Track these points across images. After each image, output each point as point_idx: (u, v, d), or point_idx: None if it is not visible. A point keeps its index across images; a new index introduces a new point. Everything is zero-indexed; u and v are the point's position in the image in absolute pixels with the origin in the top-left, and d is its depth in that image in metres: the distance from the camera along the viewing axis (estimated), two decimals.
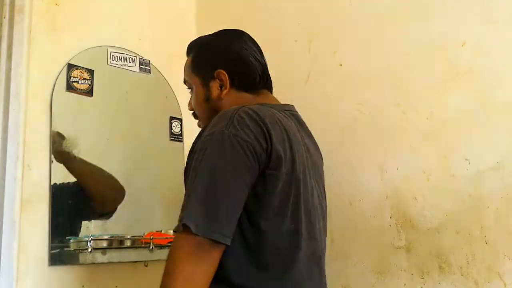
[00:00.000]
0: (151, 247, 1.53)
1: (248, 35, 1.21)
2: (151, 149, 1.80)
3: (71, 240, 1.47)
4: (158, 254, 1.65)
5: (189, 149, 1.03)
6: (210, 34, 1.23)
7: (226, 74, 1.14)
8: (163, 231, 1.60)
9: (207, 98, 1.16)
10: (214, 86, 1.15)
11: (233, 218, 0.91)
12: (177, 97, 1.90)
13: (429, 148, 1.27)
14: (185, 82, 1.24)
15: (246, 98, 1.14)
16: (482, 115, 1.19)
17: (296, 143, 1.05)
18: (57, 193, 1.50)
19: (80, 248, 1.45)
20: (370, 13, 1.46)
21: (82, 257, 1.49)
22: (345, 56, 1.50)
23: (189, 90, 1.24)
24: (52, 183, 1.49)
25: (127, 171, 1.72)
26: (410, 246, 1.27)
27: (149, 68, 1.84)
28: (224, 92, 1.14)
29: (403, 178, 1.31)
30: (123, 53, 1.78)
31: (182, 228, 0.87)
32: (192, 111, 1.24)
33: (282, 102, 1.20)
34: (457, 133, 1.23)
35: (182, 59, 1.97)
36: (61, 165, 1.55)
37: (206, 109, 1.17)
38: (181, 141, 1.88)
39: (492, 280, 1.12)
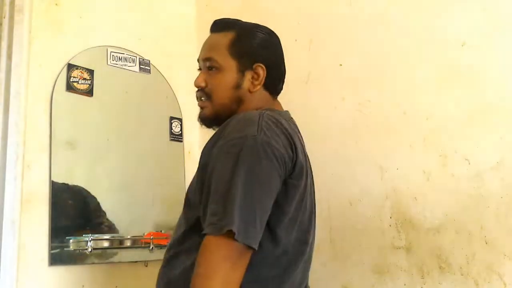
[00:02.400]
0: (151, 247, 1.53)
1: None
2: (151, 149, 1.80)
3: (71, 240, 1.47)
4: (158, 254, 1.65)
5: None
6: (248, 23, 1.17)
7: (265, 71, 1.11)
8: (163, 231, 1.60)
9: (237, 86, 1.11)
10: (248, 77, 1.11)
11: (263, 225, 0.92)
12: (177, 97, 1.90)
13: (429, 148, 1.27)
14: (209, 59, 1.14)
15: (268, 99, 1.14)
16: (482, 115, 1.19)
17: (305, 153, 1.07)
18: (57, 193, 1.50)
19: (80, 248, 1.45)
20: (370, 13, 1.46)
21: (82, 257, 1.49)
22: (345, 56, 1.50)
23: (209, 68, 1.14)
24: (52, 183, 1.50)
25: (127, 171, 1.72)
26: (410, 246, 1.27)
27: (149, 68, 1.84)
28: (257, 87, 1.11)
29: (403, 178, 1.31)
30: (123, 53, 1.78)
31: (225, 232, 0.86)
32: (199, 88, 1.17)
33: (282, 102, 1.20)
34: (457, 133, 1.23)
35: (182, 59, 1.98)
36: (61, 165, 1.55)
37: (229, 96, 1.12)
38: (181, 141, 1.88)
39: (492, 280, 1.12)
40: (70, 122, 1.60)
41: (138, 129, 1.78)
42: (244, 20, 1.21)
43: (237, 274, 0.88)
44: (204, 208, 0.94)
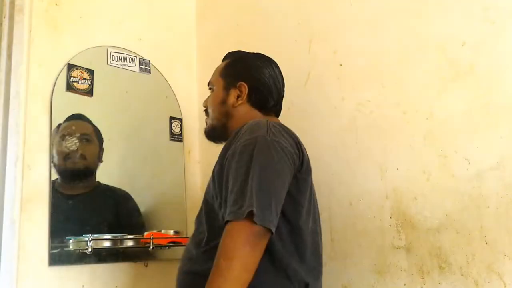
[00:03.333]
0: (151, 247, 1.52)
1: (279, 67, 1.33)
2: (151, 149, 1.80)
3: (71, 240, 1.47)
4: (158, 254, 1.65)
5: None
6: (249, 52, 1.36)
7: (246, 88, 1.27)
8: (163, 231, 1.60)
9: (223, 101, 1.29)
10: (233, 94, 1.28)
11: (279, 212, 1.03)
12: (177, 97, 1.90)
13: (429, 148, 1.27)
14: (209, 83, 1.36)
15: (256, 115, 1.28)
16: (482, 115, 1.19)
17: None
18: (57, 193, 1.50)
19: (80, 248, 1.44)
20: (370, 13, 1.46)
21: (82, 257, 1.49)
22: (345, 56, 1.50)
23: (210, 91, 1.36)
24: (52, 183, 1.50)
25: (127, 171, 1.72)
26: (410, 246, 1.27)
27: (149, 68, 1.84)
28: (239, 102, 1.28)
29: (403, 178, 1.31)
30: (123, 53, 1.78)
31: (246, 215, 0.97)
32: (205, 108, 1.37)
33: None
34: (457, 133, 1.23)
35: (182, 59, 1.99)
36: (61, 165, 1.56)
37: (218, 110, 1.30)
38: (181, 141, 1.88)
39: (492, 280, 1.12)
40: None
41: (138, 129, 1.78)
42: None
43: (256, 257, 0.98)
44: (224, 203, 1.06)
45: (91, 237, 1.43)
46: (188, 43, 2.03)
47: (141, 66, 1.82)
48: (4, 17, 1.57)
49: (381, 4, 1.43)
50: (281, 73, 1.33)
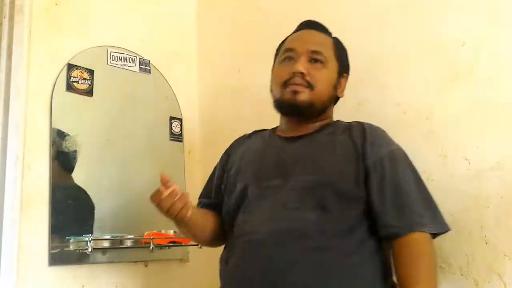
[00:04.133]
0: (151, 247, 1.52)
1: None
2: (151, 149, 1.80)
3: (71, 240, 1.47)
4: (158, 254, 1.65)
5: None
6: None
7: (346, 82, 1.27)
8: (163, 231, 1.60)
9: (335, 86, 1.24)
10: (340, 82, 1.25)
11: None
12: (177, 97, 1.90)
13: (429, 148, 1.27)
14: (317, 52, 1.20)
15: None
16: (482, 115, 1.19)
17: None
18: (57, 193, 1.50)
19: (80, 248, 1.44)
20: (370, 13, 1.46)
21: (82, 257, 1.49)
22: None
23: (316, 58, 1.20)
24: (52, 183, 1.50)
25: (127, 171, 1.72)
26: None
27: (149, 68, 1.84)
28: (342, 94, 1.26)
29: None
30: (123, 53, 1.78)
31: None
32: (302, 74, 1.17)
33: None
34: (457, 133, 1.23)
35: (182, 59, 1.98)
36: (61, 165, 1.55)
37: (329, 92, 1.22)
38: (181, 141, 1.88)
39: (492, 280, 1.12)
40: (70, 122, 1.60)
41: (138, 129, 1.78)
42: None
43: None
44: (396, 198, 1.07)
45: (91, 237, 1.43)
46: (188, 43, 2.03)
47: (141, 66, 1.82)
48: (4, 17, 1.56)
49: (381, 4, 1.43)
50: None
